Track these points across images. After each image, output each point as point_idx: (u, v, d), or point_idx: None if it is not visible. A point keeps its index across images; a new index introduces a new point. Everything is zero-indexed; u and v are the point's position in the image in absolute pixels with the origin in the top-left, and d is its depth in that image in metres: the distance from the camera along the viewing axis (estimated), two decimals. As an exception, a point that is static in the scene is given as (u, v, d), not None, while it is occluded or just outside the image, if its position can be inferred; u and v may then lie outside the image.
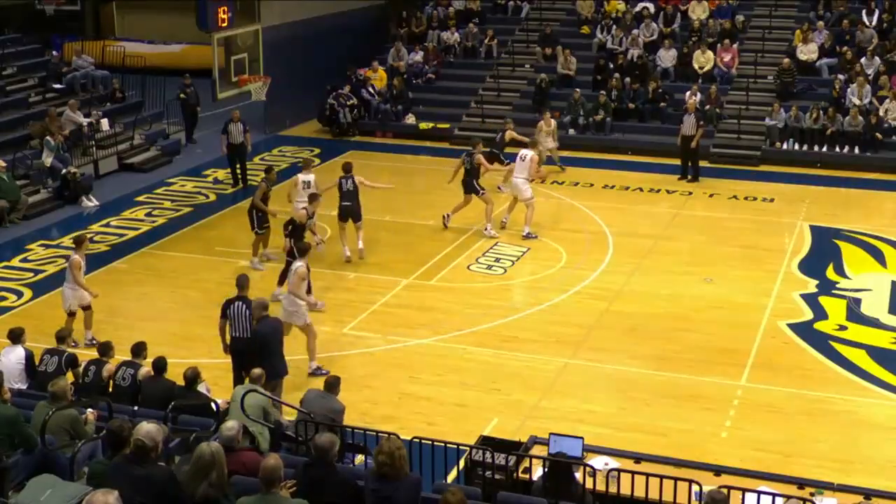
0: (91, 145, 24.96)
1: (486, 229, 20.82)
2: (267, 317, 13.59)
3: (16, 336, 13.01)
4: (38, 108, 25.76)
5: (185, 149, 27.93)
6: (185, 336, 16.36)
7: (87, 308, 15.96)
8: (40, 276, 18.94)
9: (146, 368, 12.49)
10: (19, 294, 18.13)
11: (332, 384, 11.72)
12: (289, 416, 12.25)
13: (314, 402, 11.49)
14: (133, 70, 29.85)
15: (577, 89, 28.61)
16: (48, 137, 23.32)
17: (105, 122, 26.03)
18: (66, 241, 20.72)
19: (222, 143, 24.17)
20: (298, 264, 15.06)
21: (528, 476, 10.54)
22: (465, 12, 33.16)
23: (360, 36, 32.09)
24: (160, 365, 12.34)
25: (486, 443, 11.17)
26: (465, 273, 19.07)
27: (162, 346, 15.60)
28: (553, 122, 25.59)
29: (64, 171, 22.98)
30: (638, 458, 10.85)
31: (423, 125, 29.13)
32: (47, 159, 23.13)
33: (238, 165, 24.48)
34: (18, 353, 12.88)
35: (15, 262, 19.70)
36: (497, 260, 19.67)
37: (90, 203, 23.09)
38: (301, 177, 19.53)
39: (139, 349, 12.85)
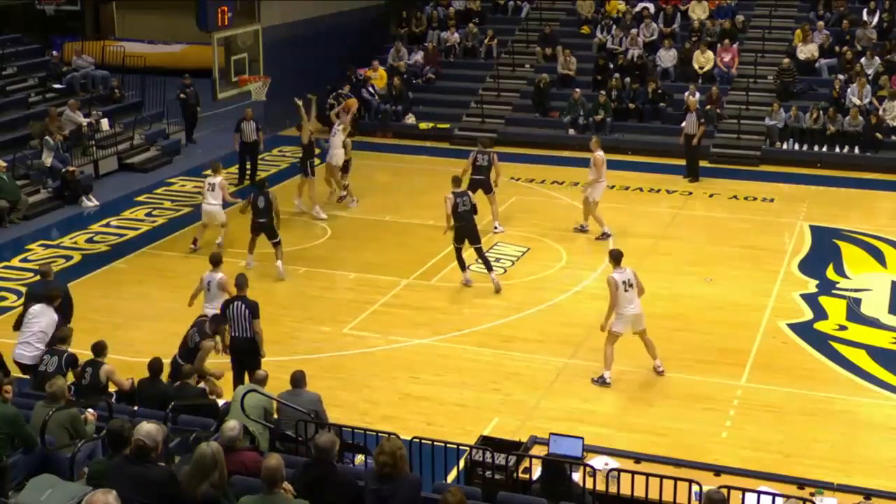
0: (91, 145, 24.96)
1: (495, 227, 20.98)
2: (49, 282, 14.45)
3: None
4: (38, 107, 25.76)
5: (185, 149, 27.93)
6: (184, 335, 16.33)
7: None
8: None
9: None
10: (19, 294, 18.09)
11: (299, 378, 11.70)
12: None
13: (290, 402, 11.48)
14: (133, 70, 29.84)
15: (577, 89, 28.60)
16: (47, 137, 23.33)
17: (105, 122, 26.04)
18: (66, 241, 20.78)
19: (235, 140, 24.31)
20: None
21: (528, 476, 10.55)
22: (465, 12, 33.16)
23: (359, 36, 32.10)
24: (156, 367, 12.33)
25: (486, 443, 11.18)
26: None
27: (162, 346, 15.60)
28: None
29: (63, 170, 22.98)
30: (638, 458, 10.85)
31: (423, 125, 29.15)
32: (47, 159, 23.13)
33: (248, 163, 24.59)
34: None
35: (15, 262, 19.70)
36: (497, 260, 19.66)
37: (90, 203, 23.10)
38: (209, 179, 20.04)
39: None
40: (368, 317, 17.19)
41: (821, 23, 29.45)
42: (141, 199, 23.69)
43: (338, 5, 31.37)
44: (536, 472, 10.41)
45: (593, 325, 16.76)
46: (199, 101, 27.80)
